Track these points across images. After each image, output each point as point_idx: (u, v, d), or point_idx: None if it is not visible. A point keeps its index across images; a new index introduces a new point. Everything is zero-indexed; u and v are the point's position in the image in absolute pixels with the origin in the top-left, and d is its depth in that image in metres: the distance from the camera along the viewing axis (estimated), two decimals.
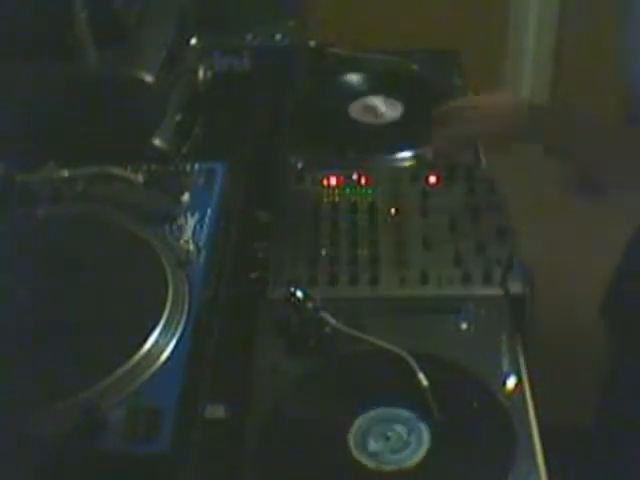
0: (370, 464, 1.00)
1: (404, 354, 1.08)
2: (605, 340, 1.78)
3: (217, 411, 1.05)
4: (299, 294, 1.15)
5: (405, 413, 1.04)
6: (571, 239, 2.63)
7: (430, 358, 1.09)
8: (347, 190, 1.39)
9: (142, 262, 1.19)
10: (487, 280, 1.21)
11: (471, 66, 1.74)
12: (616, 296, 1.71)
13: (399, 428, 1.03)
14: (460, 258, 1.24)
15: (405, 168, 1.45)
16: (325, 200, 1.37)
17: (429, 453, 1.00)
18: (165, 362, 1.05)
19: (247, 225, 1.34)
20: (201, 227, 1.25)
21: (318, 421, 1.06)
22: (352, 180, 1.41)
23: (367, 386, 1.09)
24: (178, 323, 1.10)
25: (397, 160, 1.47)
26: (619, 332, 1.73)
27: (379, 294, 1.21)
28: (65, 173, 1.29)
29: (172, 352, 1.07)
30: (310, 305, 1.14)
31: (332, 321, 1.13)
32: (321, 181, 1.41)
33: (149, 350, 1.05)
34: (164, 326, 1.08)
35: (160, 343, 1.07)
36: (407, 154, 1.48)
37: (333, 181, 1.41)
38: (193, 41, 1.57)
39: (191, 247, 1.21)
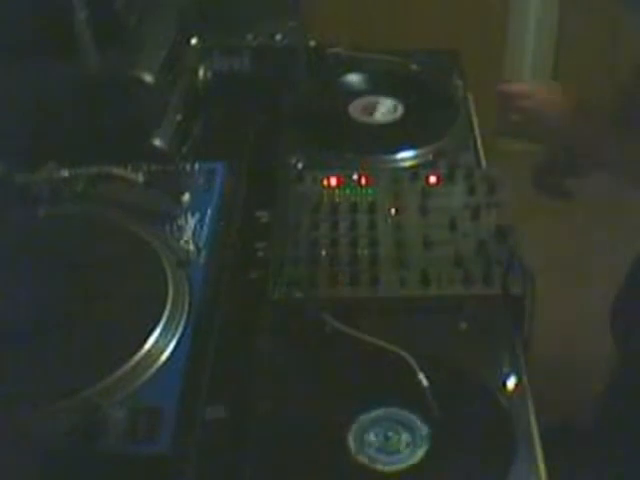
0: (370, 464, 1.00)
1: (404, 354, 1.08)
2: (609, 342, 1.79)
3: (217, 411, 1.05)
4: (299, 294, 1.15)
5: (405, 413, 1.04)
6: (571, 239, 2.64)
7: (430, 358, 1.09)
8: (347, 190, 1.39)
9: (142, 262, 1.19)
10: (487, 280, 1.21)
11: (471, 66, 1.74)
12: (623, 309, 1.73)
13: (399, 428, 1.03)
14: (460, 258, 1.24)
15: (405, 168, 1.45)
16: (325, 200, 1.37)
17: (429, 453, 1.00)
18: (165, 362, 1.05)
19: (247, 225, 1.34)
20: (201, 227, 1.25)
21: (318, 421, 1.06)
22: (352, 180, 1.41)
23: (367, 386, 1.09)
24: (178, 323, 1.10)
25: (397, 160, 1.48)
26: (624, 342, 1.74)
27: (379, 294, 1.21)
28: (65, 173, 1.29)
29: (172, 352, 1.07)
30: (310, 305, 1.14)
31: (332, 321, 1.13)
32: (321, 181, 1.41)
33: (149, 350, 1.06)
34: (164, 326, 1.09)
35: (160, 343, 1.07)
36: (407, 154, 1.48)
37: (333, 181, 1.40)
38: (193, 41, 1.57)
39: (191, 247, 1.21)
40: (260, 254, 1.29)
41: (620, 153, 1.37)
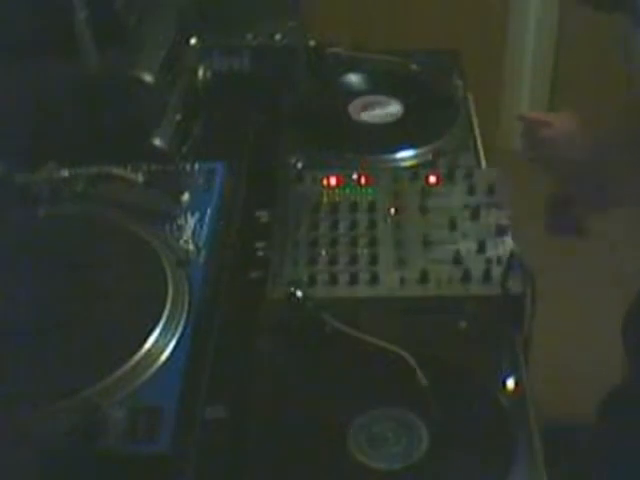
0: (370, 463, 1.00)
1: (404, 354, 1.08)
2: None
3: (217, 411, 1.05)
4: (299, 294, 1.15)
5: (405, 413, 1.04)
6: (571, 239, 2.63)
7: (430, 358, 1.09)
8: (347, 190, 1.39)
9: (142, 262, 1.19)
10: (487, 280, 1.21)
11: (471, 66, 1.74)
12: (635, 322, 1.73)
13: (399, 428, 1.03)
14: (460, 258, 1.24)
15: (405, 168, 1.45)
16: (325, 200, 1.37)
17: (428, 453, 1.00)
18: (165, 362, 1.05)
19: (247, 225, 1.34)
20: (201, 227, 1.25)
21: (318, 421, 1.06)
22: (352, 180, 1.41)
23: (367, 386, 1.09)
24: (178, 323, 1.10)
25: (397, 160, 1.48)
26: (635, 355, 1.75)
27: (379, 294, 1.21)
28: (65, 173, 1.29)
29: (172, 352, 1.07)
30: (310, 305, 1.14)
31: (332, 321, 1.13)
32: (321, 181, 1.41)
33: (149, 350, 1.06)
34: (164, 326, 1.09)
35: (160, 343, 1.07)
36: (407, 154, 1.48)
37: (333, 181, 1.41)
38: (193, 41, 1.57)
39: (191, 247, 1.21)
40: (260, 254, 1.29)
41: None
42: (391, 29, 2.69)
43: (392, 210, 1.34)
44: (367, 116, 1.59)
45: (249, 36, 1.63)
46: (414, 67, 1.72)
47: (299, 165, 1.44)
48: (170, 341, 1.08)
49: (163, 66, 1.38)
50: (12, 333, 1.08)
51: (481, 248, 1.26)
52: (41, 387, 1.01)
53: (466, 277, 1.22)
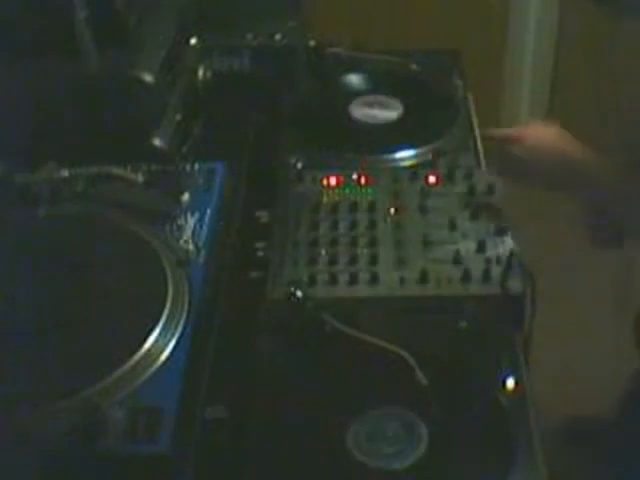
0: (370, 463, 1.00)
1: (404, 354, 1.08)
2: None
3: (217, 411, 1.05)
4: (299, 294, 1.15)
5: (405, 413, 1.04)
6: (571, 238, 2.63)
7: (430, 358, 1.09)
8: (347, 190, 1.39)
9: (142, 262, 1.19)
10: (487, 280, 1.21)
11: (471, 66, 1.74)
12: None
13: (399, 428, 1.03)
14: (460, 258, 1.24)
15: (405, 168, 1.45)
16: (325, 200, 1.37)
17: (428, 453, 1.00)
18: (165, 362, 1.05)
19: (247, 225, 1.34)
20: (201, 227, 1.25)
21: (318, 421, 1.06)
22: (352, 180, 1.41)
23: (367, 386, 1.09)
24: (178, 323, 1.10)
25: (397, 160, 1.48)
26: None
27: (379, 294, 1.21)
28: (65, 173, 1.29)
29: (172, 352, 1.07)
30: (310, 305, 1.14)
31: (332, 321, 1.13)
32: (321, 181, 1.41)
33: (149, 350, 1.06)
34: (164, 326, 1.09)
35: (160, 343, 1.07)
36: (407, 154, 1.48)
37: (333, 181, 1.41)
38: (193, 41, 1.57)
39: (191, 247, 1.21)
40: (260, 254, 1.29)
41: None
42: (391, 29, 2.69)
43: (392, 210, 1.34)
44: (367, 116, 1.59)
45: (249, 36, 1.63)
46: (414, 67, 1.72)
47: (299, 165, 1.44)
48: (170, 341, 1.08)
49: (163, 66, 1.38)
50: (12, 333, 1.08)
51: (481, 248, 1.26)
52: (41, 387, 1.01)
53: (466, 277, 1.22)
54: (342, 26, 2.14)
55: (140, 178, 1.30)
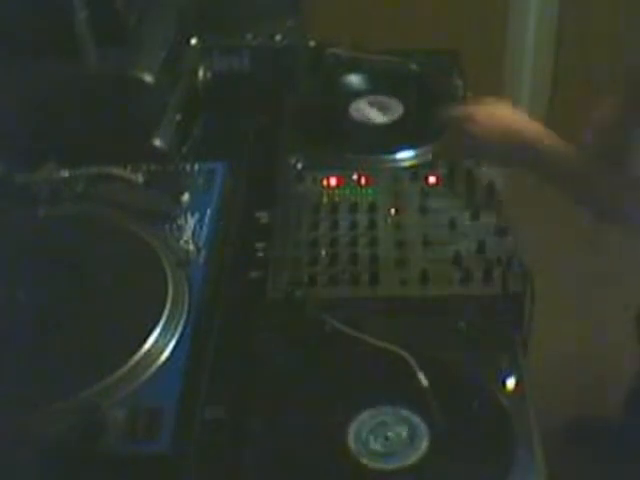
0: (370, 463, 1.00)
1: (404, 354, 1.08)
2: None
3: (217, 411, 1.05)
4: (299, 294, 1.15)
5: (405, 413, 1.04)
6: (570, 237, 2.63)
7: (430, 358, 1.09)
8: (347, 190, 1.39)
9: (142, 262, 1.19)
10: (487, 280, 1.21)
11: (471, 66, 1.74)
12: None
13: (399, 428, 1.03)
14: (460, 258, 1.24)
15: (405, 168, 1.45)
16: (325, 200, 1.37)
17: (429, 453, 1.00)
18: (165, 362, 1.05)
19: (247, 225, 1.34)
20: (201, 227, 1.25)
21: (318, 421, 1.06)
22: (352, 180, 1.41)
23: (367, 386, 1.09)
24: (178, 323, 1.10)
25: (397, 160, 1.47)
26: None
27: (379, 294, 1.21)
28: (65, 173, 1.29)
29: (172, 352, 1.07)
30: (310, 305, 1.14)
31: (332, 321, 1.13)
32: (321, 181, 1.41)
33: (149, 350, 1.06)
34: (164, 326, 1.09)
35: (160, 343, 1.07)
36: (407, 154, 1.48)
37: (333, 181, 1.41)
38: (193, 41, 1.57)
39: (191, 247, 1.21)
40: (260, 254, 1.29)
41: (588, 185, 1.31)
42: (391, 29, 2.69)
43: (392, 210, 1.34)
44: (367, 116, 1.59)
45: (249, 36, 1.63)
46: (414, 67, 1.72)
47: (299, 165, 1.44)
48: (170, 341, 1.08)
49: (163, 66, 1.38)
50: (12, 333, 1.08)
51: (481, 248, 1.26)
52: (41, 387, 1.01)
53: (466, 277, 1.22)
54: (342, 26, 2.14)
55: (140, 178, 1.30)
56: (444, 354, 1.12)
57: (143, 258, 1.19)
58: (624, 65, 1.37)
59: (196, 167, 1.36)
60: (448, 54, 1.78)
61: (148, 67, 1.35)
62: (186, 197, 1.29)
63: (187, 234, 1.24)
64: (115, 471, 0.96)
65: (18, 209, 1.29)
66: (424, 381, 1.05)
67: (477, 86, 1.67)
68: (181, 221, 1.26)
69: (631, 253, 2.35)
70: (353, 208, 1.35)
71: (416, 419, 1.03)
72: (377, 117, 1.59)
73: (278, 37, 1.63)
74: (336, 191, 1.39)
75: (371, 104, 1.61)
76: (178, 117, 1.44)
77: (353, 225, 1.32)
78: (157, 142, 1.37)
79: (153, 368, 1.04)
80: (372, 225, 1.32)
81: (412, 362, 1.07)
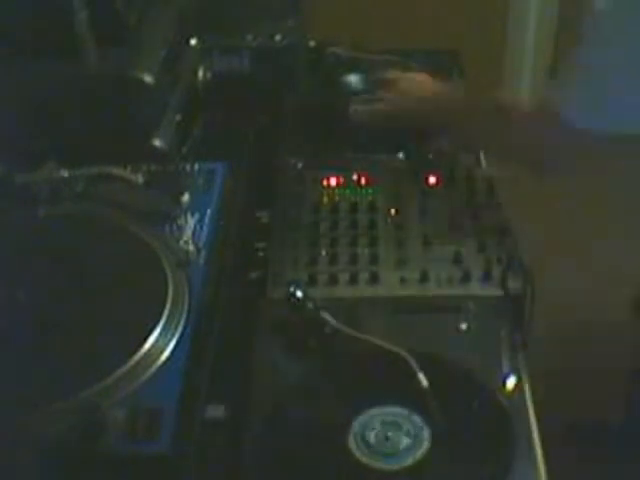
0: (370, 464, 1.00)
1: (404, 354, 1.08)
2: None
3: (217, 411, 1.04)
4: (299, 294, 1.15)
5: (405, 413, 1.04)
6: (571, 237, 2.64)
7: (430, 358, 1.09)
8: (347, 190, 1.39)
9: (142, 262, 1.19)
10: (487, 280, 1.21)
11: (471, 66, 1.74)
12: None
13: (399, 428, 1.03)
14: (460, 258, 1.24)
15: (405, 168, 1.45)
16: (325, 200, 1.37)
17: (429, 453, 1.00)
18: (165, 362, 1.05)
19: (247, 225, 1.34)
20: (201, 227, 1.25)
21: (318, 421, 1.06)
22: (352, 180, 1.41)
23: (367, 386, 1.09)
24: (178, 323, 1.10)
25: (397, 160, 1.48)
26: None
27: (379, 294, 1.21)
28: (65, 173, 1.29)
29: (172, 352, 1.07)
30: (310, 305, 1.14)
31: (332, 321, 1.13)
32: (321, 181, 1.41)
33: (149, 350, 1.06)
34: (164, 326, 1.09)
35: (160, 343, 1.07)
36: (407, 154, 1.48)
37: (333, 181, 1.41)
38: (193, 41, 1.57)
39: (191, 247, 1.21)
40: (260, 254, 1.29)
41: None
42: (391, 29, 2.69)
43: (392, 210, 1.34)
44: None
45: (249, 36, 1.63)
46: (414, 67, 1.72)
47: (299, 165, 1.45)
48: (170, 341, 1.08)
49: (163, 66, 1.38)
50: (12, 333, 1.08)
51: (481, 248, 1.26)
52: (41, 387, 1.01)
53: (466, 277, 1.22)
54: (342, 26, 2.14)
55: (140, 178, 1.30)
56: (444, 354, 1.12)
57: (143, 258, 1.19)
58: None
59: (196, 167, 1.36)
60: (448, 54, 1.78)
61: (148, 67, 1.35)
62: (186, 197, 1.29)
63: (187, 234, 1.24)
64: (115, 471, 0.96)
65: (18, 209, 1.29)
66: (424, 381, 1.05)
67: (477, 86, 1.67)
68: (181, 221, 1.26)
69: (634, 253, 2.36)
70: (353, 208, 1.35)
71: (416, 419, 1.03)
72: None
73: (278, 37, 1.63)
74: (336, 191, 1.39)
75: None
76: (178, 117, 1.44)
77: (353, 225, 1.32)
78: (157, 142, 1.37)
79: (153, 368, 1.04)
80: (372, 225, 1.32)
81: (412, 362, 1.07)
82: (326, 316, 1.14)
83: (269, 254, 1.28)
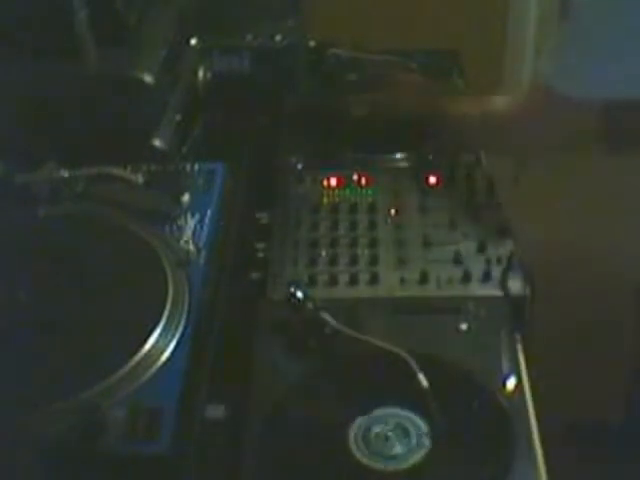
0: (370, 464, 1.00)
1: (404, 354, 1.08)
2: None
3: (217, 411, 1.04)
4: (299, 294, 1.15)
5: (405, 413, 1.04)
6: (571, 237, 2.63)
7: (430, 358, 1.09)
8: (347, 190, 1.39)
9: (142, 262, 1.19)
10: (487, 280, 1.21)
11: (471, 66, 1.74)
12: None
13: (399, 428, 1.03)
14: (460, 258, 1.24)
15: (405, 168, 1.45)
16: (325, 200, 1.37)
17: (429, 453, 1.00)
18: (165, 362, 1.05)
19: (247, 225, 1.34)
20: (201, 227, 1.25)
21: (318, 421, 1.06)
22: (352, 180, 1.41)
23: (367, 386, 1.09)
24: (178, 323, 1.10)
25: (397, 160, 1.48)
26: None
27: (379, 294, 1.21)
28: (65, 173, 1.29)
29: (172, 352, 1.07)
30: (310, 305, 1.14)
31: (332, 321, 1.13)
32: (321, 181, 1.41)
33: (149, 350, 1.05)
34: (164, 326, 1.08)
35: (160, 343, 1.07)
36: (407, 154, 1.48)
37: (333, 181, 1.41)
38: (193, 41, 1.57)
39: (191, 247, 1.21)
40: (260, 255, 1.29)
41: None
42: (391, 29, 2.68)
43: (392, 211, 1.34)
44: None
45: (249, 36, 1.63)
46: (414, 67, 1.72)
47: (299, 165, 1.45)
48: (170, 342, 1.08)
49: (163, 66, 1.38)
50: (12, 333, 1.08)
51: (481, 248, 1.26)
52: (41, 387, 1.01)
53: (466, 277, 1.22)
54: (342, 26, 2.14)
55: (140, 178, 1.30)
56: (444, 354, 1.12)
57: (143, 258, 1.19)
58: None
59: (196, 167, 1.36)
60: (448, 54, 1.78)
61: (148, 67, 1.35)
62: (186, 197, 1.29)
63: (187, 234, 1.24)
64: (115, 471, 0.96)
65: (18, 209, 1.28)
66: (424, 382, 1.05)
67: (477, 86, 1.67)
68: (181, 221, 1.26)
69: (633, 253, 2.35)
70: (353, 208, 1.35)
71: (416, 420, 1.03)
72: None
73: (278, 37, 1.63)
74: (336, 191, 1.39)
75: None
76: (178, 117, 1.44)
77: (353, 225, 1.32)
78: (157, 142, 1.37)
79: (153, 368, 1.04)
80: (372, 225, 1.32)
81: (412, 363, 1.07)
82: (326, 317, 1.14)
83: (269, 254, 1.28)
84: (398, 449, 1.01)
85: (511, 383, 1.08)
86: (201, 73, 1.55)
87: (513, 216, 1.33)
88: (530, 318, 1.19)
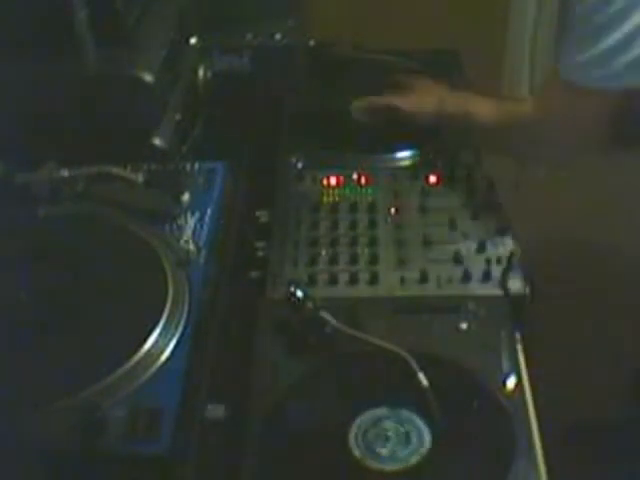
0: (370, 464, 1.00)
1: (404, 354, 1.08)
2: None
3: (217, 411, 1.04)
4: (299, 294, 1.15)
5: (405, 413, 1.04)
6: (571, 237, 2.63)
7: (430, 358, 1.09)
8: (347, 190, 1.39)
9: (142, 262, 1.19)
10: (487, 279, 1.21)
11: (471, 66, 1.74)
12: None
13: (399, 428, 1.03)
14: (460, 257, 1.24)
15: (405, 168, 1.45)
16: (325, 200, 1.38)
17: (429, 453, 1.00)
18: (165, 362, 1.05)
19: (247, 225, 1.34)
20: (201, 227, 1.25)
21: (318, 421, 1.06)
22: (352, 180, 1.41)
23: (367, 386, 1.09)
24: (178, 323, 1.10)
25: (397, 160, 1.48)
26: None
27: (379, 294, 1.21)
28: (65, 173, 1.29)
29: (172, 352, 1.07)
30: (310, 305, 1.14)
31: (332, 321, 1.13)
32: (321, 181, 1.41)
33: (149, 350, 1.05)
34: (164, 326, 1.08)
35: (160, 343, 1.07)
36: (407, 154, 1.48)
37: (333, 181, 1.41)
38: (193, 41, 1.57)
39: (191, 247, 1.21)
40: (260, 254, 1.29)
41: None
42: (391, 29, 2.68)
43: (392, 210, 1.35)
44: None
45: (249, 36, 1.63)
46: (414, 67, 1.72)
47: (299, 165, 1.45)
48: (170, 341, 1.08)
49: (163, 66, 1.38)
50: (12, 333, 1.08)
51: (481, 248, 1.26)
52: (41, 387, 1.01)
53: (466, 277, 1.22)
54: (342, 26, 2.14)
55: (140, 178, 1.30)
56: (444, 353, 1.12)
57: (143, 258, 1.19)
58: None
59: (196, 167, 1.36)
60: (448, 54, 1.78)
61: (148, 67, 1.35)
62: (186, 197, 1.29)
63: (187, 234, 1.24)
64: (115, 471, 0.96)
65: (18, 209, 1.29)
66: (424, 381, 1.05)
67: (477, 86, 1.67)
68: (181, 221, 1.26)
69: (634, 253, 2.35)
70: (353, 208, 1.35)
71: (416, 419, 1.03)
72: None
73: (278, 37, 1.63)
74: (336, 191, 1.39)
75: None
76: (178, 117, 1.44)
77: (353, 225, 1.32)
78: (157, 141, 1.37)
79: (153, 368, 1.04)
80: (372, 225, 1.32)
81: (412, 362, 1.07)
82: (326, 316, 1.14)
83: (269, 254, 1.28)
84: (398, 449, 1.01)
85: (511, 382, 1.08)
86: (201, 72, 1.55)
87: (513, 216, 1.33)
88: (530, 318, 1.19)
